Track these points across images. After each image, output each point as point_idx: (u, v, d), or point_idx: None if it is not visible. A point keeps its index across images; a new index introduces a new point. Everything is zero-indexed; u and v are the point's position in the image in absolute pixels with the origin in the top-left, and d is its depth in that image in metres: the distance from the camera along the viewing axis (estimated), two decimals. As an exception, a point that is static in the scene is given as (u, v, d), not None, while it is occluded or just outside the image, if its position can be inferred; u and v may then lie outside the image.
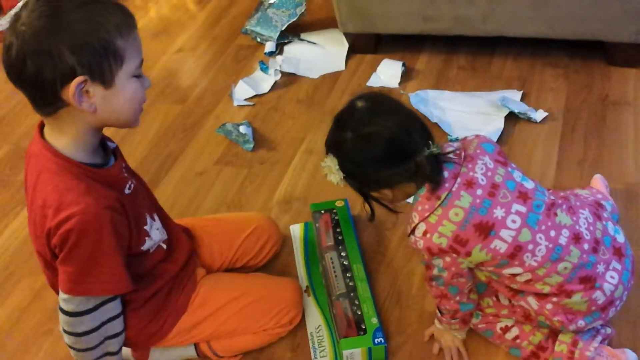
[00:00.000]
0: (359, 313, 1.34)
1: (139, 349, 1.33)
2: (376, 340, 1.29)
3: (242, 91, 2.09)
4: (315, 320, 1.41)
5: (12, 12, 1.01)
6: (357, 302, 1.37)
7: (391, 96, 1.19)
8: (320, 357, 1.34)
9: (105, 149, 1.18)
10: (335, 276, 1.43)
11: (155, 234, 1.23)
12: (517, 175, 1.19)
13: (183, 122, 2.03)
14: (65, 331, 1.16)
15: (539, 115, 1.84)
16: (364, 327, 1.32)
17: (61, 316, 1.14)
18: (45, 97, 1.03)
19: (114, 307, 1.17)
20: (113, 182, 1.13)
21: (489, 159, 1.17)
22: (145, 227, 1.20)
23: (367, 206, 1.24)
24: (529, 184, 1.19)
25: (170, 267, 1.28)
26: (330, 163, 1.16)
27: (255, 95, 2.08)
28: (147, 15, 2.61)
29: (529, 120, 1.84)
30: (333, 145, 1.17)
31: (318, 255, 1.52)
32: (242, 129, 1.91)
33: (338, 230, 1.53)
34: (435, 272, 1.20)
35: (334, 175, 1.16)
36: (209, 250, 1.41)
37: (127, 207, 1.14)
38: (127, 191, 1.16)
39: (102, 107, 1.06)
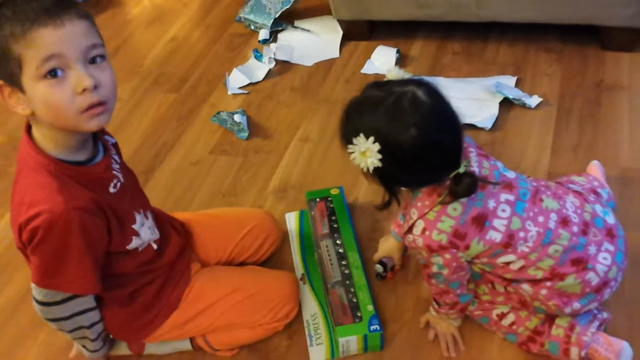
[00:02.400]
0: (355, 300, 1.35)
1: (130, 342, 1.34)
2: (372, 327, 1.30)
3: (237, 79, 2.08)
4: (311, 308, 1.41)
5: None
6: (352, 290, 1.37)
7: (443, 92, 1.11)
8: (317, 344, 1.35)
9: (96, 144, 1.15)
10: (331, 264, 1.43)
11: (145, 232, 1.21)
12: (499, 166, 1.20)
13: (177, 111, 2.02)
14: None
15: (534, 100, 1.84)
16: (359, 315, 1.32)
17: (33, 301, 1.16)
18: None
19: (85, 302, 1.18)
20: (95, 180, 1.11)
21: (475, 152, 1.18)
22: (133, 226, 1.18)
23: (386, 195, 1.17)
24: (511, 174, 1.20)
25: (159, 266, 1.27)
26: (370, 146, 1.06)
27: (250, 84, 2.08)
28: (141, 4, 2.59)
29: (524, 106, 1.84)
30: (384, 133, 1.06)
31: (313, 243, 1.52)
32: (236, 117, 1.90)
33: (333, 218, 1.53)
34: (434, 269, 1.20)
35: (369, 160, 1.07)
36: (204, 247, 1.40)
37: (109, 207, 1.12)
38: (112, 190, 1.14)
39: (36, 111, 1.03)
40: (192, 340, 1.35)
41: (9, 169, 1.89)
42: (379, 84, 1.13)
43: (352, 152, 1.09)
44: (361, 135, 1.07)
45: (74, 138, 1.08)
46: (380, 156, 1.07)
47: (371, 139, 1.06)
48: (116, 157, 1.20)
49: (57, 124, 1.04)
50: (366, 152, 1.07)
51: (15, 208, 1.10)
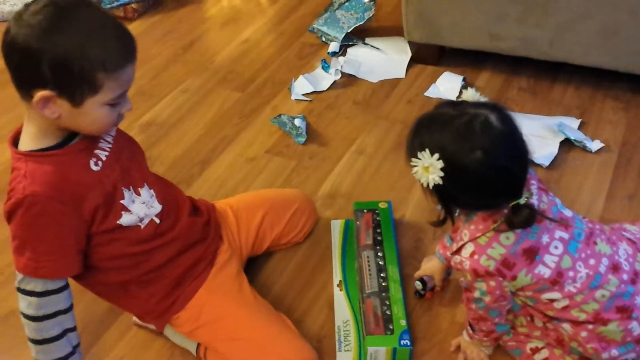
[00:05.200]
0: (389, 313, 1.35)
1: (161, 321, 1.35)
2: (402, 341, 1.30)
3: (302, 86, 2.12)
4: (344, 314, 1.42)
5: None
6: (387, 303, 1.37)
7: (516, 121, 1.10)
8: (345, 350, 1.35)
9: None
10: (370, 274, 1.44)
11: (138, 208, 1.21)
12: (558, 202, 1.19)
13: (240, 109, 2.07)
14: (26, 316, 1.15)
15: (595, 145, 1.82)
16: (391, 327, 1.32)
17: (20, 303, 1.16)
18: (20, 86, 1.08)
19: (58, 301, 1.15)
20: (69, 161, 1.13)
21: (536, 185, 1.17)
22: (121, 202, 1.18)
23: (442, 214, 1.17)
24: (568, 212, 1.19)
25: (168, 240, 1.27)
26: (434, 163, 1.07)
27: (314, 92, 2.11)
28: (219, 4, 2.67)
29: (584, 149, 1.82)
30: (450, 152, 1.06)
31: (355, 252, 1.53)
32: (296, 122, 1.94)
33: (378, 230, 1.54)
34: (476, 294, 1.19)
35: (430, 177, 1.07)
36: (261, 226, 1.49)
37: (88, 186, 1.13)
38: (94, 167, 1.16)
39: (66, 118, 1.08)
40: (198, 346, 1.35)
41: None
42: (454, 102, 1.14)
43: (415, 166, 1.09)
44: (427, 150, 1.07)
45: (61, 132, 1.13)
46: (442, 174, 1.07)
47: (436, 155, 1.06)
48: (108, 138, 1.21)
49: (83, 130, 1.13)
50: (429, 167, 1.07)
51: None
